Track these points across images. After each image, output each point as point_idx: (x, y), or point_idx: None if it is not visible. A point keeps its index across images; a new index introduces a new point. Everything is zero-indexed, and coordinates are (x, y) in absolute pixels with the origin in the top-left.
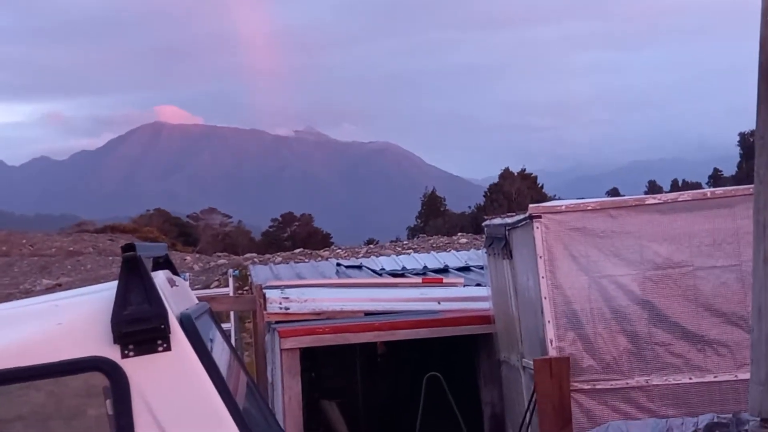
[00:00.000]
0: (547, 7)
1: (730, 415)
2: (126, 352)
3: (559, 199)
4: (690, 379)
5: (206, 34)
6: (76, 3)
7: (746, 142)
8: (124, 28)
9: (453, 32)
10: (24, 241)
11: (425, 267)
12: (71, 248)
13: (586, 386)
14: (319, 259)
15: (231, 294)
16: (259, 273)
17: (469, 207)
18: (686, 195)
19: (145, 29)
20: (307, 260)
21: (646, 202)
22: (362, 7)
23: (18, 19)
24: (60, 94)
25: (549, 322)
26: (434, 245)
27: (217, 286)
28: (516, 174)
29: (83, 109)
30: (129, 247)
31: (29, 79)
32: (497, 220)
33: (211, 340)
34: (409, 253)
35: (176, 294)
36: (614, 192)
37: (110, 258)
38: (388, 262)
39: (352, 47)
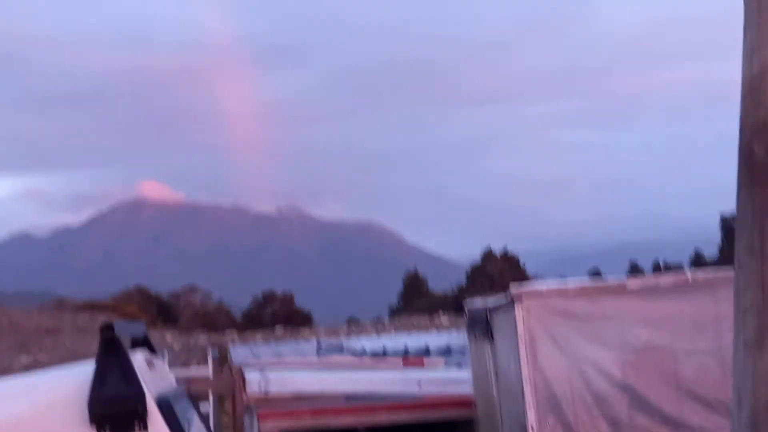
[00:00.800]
0: (530, 85)
1: None
2: None
3: (542, 279)
4: None
5: (188, 108)
6: (56, 75)
7: (727, 225)
8: (104, 101)
9: (437, 108)
10: (3, 317)
11: (406, 348)
12: (50, 325)
13: None
14: (300, 338)
15: (210, 374)
16: (239, 353)
17: (451, 287)
18: (668, 279)
19: (126, 102)
20: (287, 339)
21: (628, 287)
22: (347, 81)
23: (4, 91)
24: (40, 169)
25: (530, 406)
26: (416, 325)
27: (197, 366)
28: (498, 255)
29: (64, 185)
30: (107, 327)
31: (8, 153)
32: (478, 302)
33: (189, 422)
34: (390, 333)
35: (154, 374)
36: (596, 273)
37: (89, 335)
38: (369, 342)
39: (337, 122)
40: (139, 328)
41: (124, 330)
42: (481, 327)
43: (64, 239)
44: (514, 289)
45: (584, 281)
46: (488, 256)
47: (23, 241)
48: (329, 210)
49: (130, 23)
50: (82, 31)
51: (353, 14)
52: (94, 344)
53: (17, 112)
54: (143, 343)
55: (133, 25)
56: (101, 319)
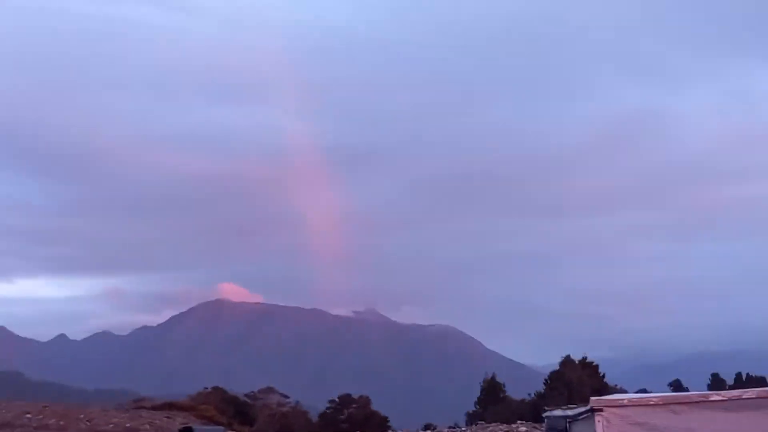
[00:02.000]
0: (605, 198)
1: None
2: None
3: (621, 389)
4: None
5: (268, 213)
6: (140, 180)
7: None
8: (187, 205)
9: (513, 219)
10: (81, 416)
11: None
12: (128, 425)
13: None
14: None
15: None
16: None
17: (529, 394)
18: (751, 392)
19: (208, 207)
20: None
21: (710, 399)
22: (424, 191)
23: (81, 192)
24: (121, 270)
25: None
26: None
27: None
28: (577, 362)
29: (144, 285)
30: (186, 430)
31: (91, 254)
32: (558, 411)
33: None
34: None
35: None
36: (677, 383)
37: None
38: None
39: (414, 230)
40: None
41: None
42: None
43: (144, 339)
44: (594, 400)
45: (665, 393)
46: (567, 363)
47: (105, 340)
48: (406, 315)
49: (213, 131)
50: (166, 137)
51: (431, 125)
52: None
53: (101, 215)
54: None
55: (217, 132)
56: (179, 419)
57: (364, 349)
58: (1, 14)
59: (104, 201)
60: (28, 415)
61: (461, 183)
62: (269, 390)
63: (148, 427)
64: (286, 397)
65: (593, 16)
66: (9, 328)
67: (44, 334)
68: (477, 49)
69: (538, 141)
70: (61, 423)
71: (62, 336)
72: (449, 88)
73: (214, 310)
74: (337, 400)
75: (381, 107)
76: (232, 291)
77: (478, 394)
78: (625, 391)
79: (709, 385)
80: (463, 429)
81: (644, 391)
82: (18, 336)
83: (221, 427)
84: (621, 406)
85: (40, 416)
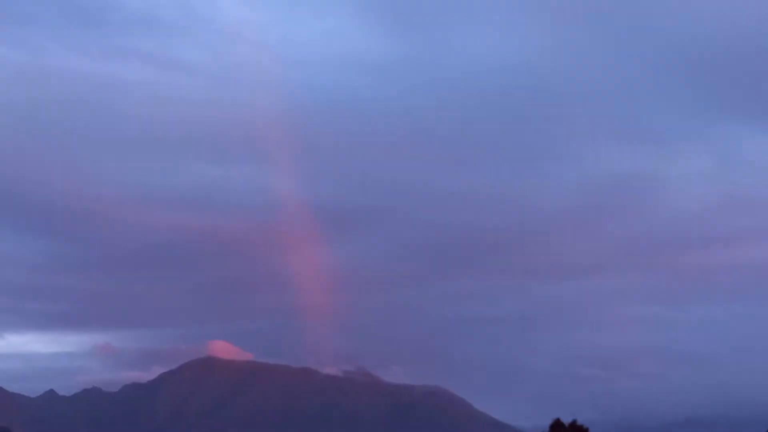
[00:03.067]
0: (592, 260)
1: None
2: None
3: None
4: None
5: (257, 270)
6: (129, 237)
7: None
8: (175, 262)
9: (503, 280)
10: None
11: None
12: None
13: None
14: None
15: None
16: None
17: None
18: None
19: (196, 264)
20: None
21: None
22: (413, 248)
23: (72, 249)
24: (111, 326)
25: None
26: None
27: None
28: (566, 425)
29: (134, 342)
30: None
31: (81, 310)
32: None
33: None
34: None
35: None
36: None
37: None
38: None
39: (403, 290)
40: None
41: None
42: None
43: (133, 395)
44: None
45: None
46: (557, 425)
47: (94, 396)
48: (396, 374)
49: (204, 189)
50: (157, 196)
51: (418, 187)
52: None
53: (91, 272)
54: None
55: (208, 191)
56: None
57: (353, 408)
58: (2, 72)
59: (94, 258)
60: None
61: (451, 243)
62: None
63: None
64: None
65: (580, 78)
66: None
67: (33, 389)
68: (468, 108)
69: (524, 204)
70: None
71: (51, 392)
72: (435, 149)
73: (204, 367)
74: None
75: (373, 166)
76: (223, 348)
77: None
78: None
79: None
80: None
81: None
82: (7, 391)
83: None
84: None
85: None
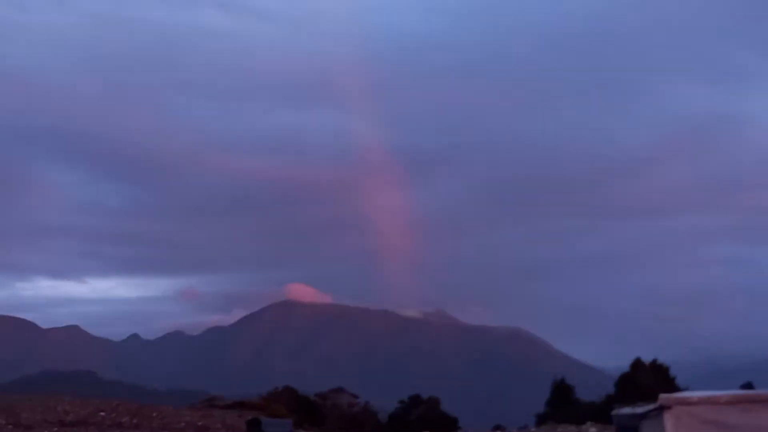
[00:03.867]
0: (673, 200)
1: None
2: None
3: (692, 391)
4: None
5: (337, 216)
6: (209, 182)
7: None
8: (257, 207)
9: (581, 221)
10: (154, 414)
11: None
12: (200, 423)
13: None
14: None
15: None
16: None
17: (599, 396)
18: None
19: (277, 209)
20: None
21: None
22: (492, 193)
23: (152, 194)
24: (193, 270)
25: None
26: None
27: None
28: (647, 365)
29: (215, 286)
30: (254, 422)
31: (163, 255)
32: (626, 410)
33: None
34: None
35: None
36: (749, 386)
37: None
38: None
39: (483, 232)
40: (285, 426)
41: (271, 427)
42: None
43: (215, 339)
44: (664, 397)
45: (735, 392)
46: (637, 365)
47: (176, 340)
48: (475, 316)
49: (282, 134)
50: (235, 141)
51: (499, 127)
52: None
53: (172, 217)
54: None
55: (285, 135)
56: (250, 418)
57: (433, 350)
58: (75, 20)
59: (175, 203)
60: (102, 413)
61: (529, 185)
62: (339, 390)
63: (219, 425)
64: (356, 397)
65: (660, 17)
66: (83, 327)
67: (117, 333)
68: (545, 51)
69: (605, 143)
70: (134, 421)
71: (135, 336)
72: (517, 89)
73: (284, 310)
74: (406, 400)
75: (450, 109)
76: (302, 292)
77: (548, 396)
78: None
79: None
80: (533, 430)
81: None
82: (92, 335)
83: (289, 420)
84: (691, 404)
85: (114, 414)
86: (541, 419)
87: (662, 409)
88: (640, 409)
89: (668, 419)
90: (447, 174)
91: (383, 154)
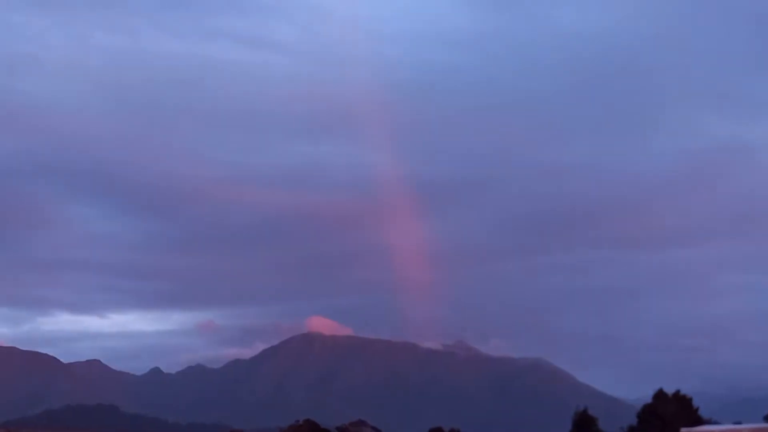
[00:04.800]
0: (692, 230)
1: None
2: None
3: (716, 422)
4: None
5: (357, 248)
6: (228, 216)
7: None
8: (275, 239)
9: (601, 251)
10: None
11: None
12: None
13: None
14: None
15: None
16: None
17: (622, 428)
18: None
19: (296, 242)
20: None
21: None
22: (512, 226)
23: (171, 229)
24: (212, 304)
25: None
26: None
27: None
28: (670, 395)
29: (235, 319)
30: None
31: (183, 289)
32: None
33: None
34: None
35: None
36: None
37: None
38: None
39: (502, 264)
40: None
41: None
42: None
43: (236, 372)
44: (686, 430)
45: (758, 425)
46: (660, 396)
47: (198, 373)
48: (496, 347)
49: (301, 166)
50: (254, 174)
51: (516, 159)
52: None
53: (191, 251)
54: None
55: (304, 167)
56: None
57: (455, 381)
58: (95, 55)
59: (193, 237)
60: None
61: (549, 216)
62: (360, 423)
63: None
64: (378, 430)
65: (675, 48)
66: (104, 361)
67: (138, 367)
68: (558, 83)
69: (622, 174)
70: None
71: (156, 369)
72: (532, 121)
73: (305, 343)
74: None
75: (466, 142)
76: (322, 324)
77: (570, 427)
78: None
79: None
80: None
81: (739, 424)
82: (113, 369)
83: None
84: None
85: None
86: None
87: None
88: None
89: None
90: (468, 204)
91: (402, 186)
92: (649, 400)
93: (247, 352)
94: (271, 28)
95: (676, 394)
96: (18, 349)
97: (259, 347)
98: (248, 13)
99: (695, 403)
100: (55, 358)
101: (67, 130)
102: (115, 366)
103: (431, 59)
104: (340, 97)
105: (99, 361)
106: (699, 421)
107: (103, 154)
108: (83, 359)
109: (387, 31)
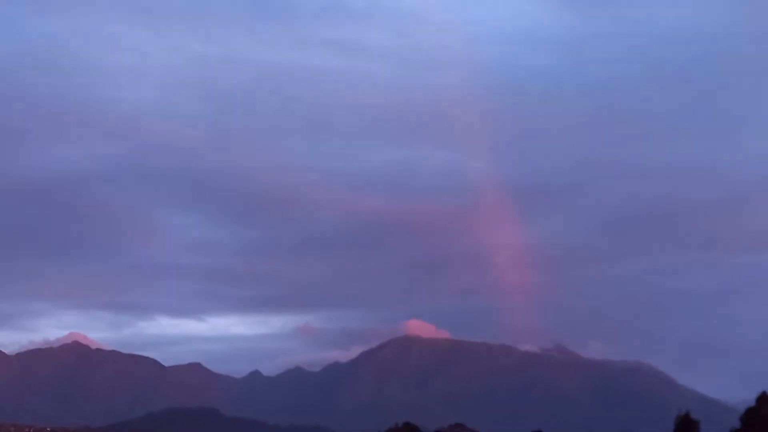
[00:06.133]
0: None
1: None
2: None
3: None
4: None
5: (454, 251)
6: (325, 220)
7: None
8: (370, 244)
9: (704, 253)
10: None
11: None
12: None
13: None
14: None
15: None
16: None
17: (725, 431)
18: None
19: (393, 246)
20: None
21: None
22: (611, 229)
23: (269, 234)
24: (311, 307)
25: None
26: None
27: None
28: None
29: (334, 322)
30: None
31: (281, 293)
32: None
33: None
34: None
35: None
36: None
37: None
38: None
39: (599, 266)
40: None
41: None
42: None
43: (334, 375)
44: None
45: None
46: (763, 399)
47: (297, 376)
48: (594, 350)
49: (398, 170)
50: (352, 178)
51: (617, 162)
52: None
53: (289, 255)
54: None
55: (402, 172)
56: None
57: (554, 385)
58: (191, 63)
59: (291, 242)
60: None
61: (649, 218)
62: (459, 426)
63: None
64: None
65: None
66: (204, 364)
67: (238, 370)
68: (653, 83)
69: (720, 175)
70: None
71: (256, 372)
72: (628, 124)
73: (403, 346)
74: None
75: (563, 145)
76: (420, 327)
77: (672, 430)
78: None
79: None
80: None
81: None
82: (213, 372)
83: None
84: None
85: None
86: None
87: None
88: None
89: None
90: (565, 208)
91: (499, 189)
92: (751, 402)
93: (346, 355)
94: (365, 34)
95: None
96: (120, 352)
97: (357, 350)
98: (341, 20)
99: None
100: (156, 361)
101: (166, 139)
102: (216, 369)
103: (527, 64)
104: (435, 101)
105: (200, 364)
106: None
107: (203, 162)
108: (184, 363)
109: (482, 36)
